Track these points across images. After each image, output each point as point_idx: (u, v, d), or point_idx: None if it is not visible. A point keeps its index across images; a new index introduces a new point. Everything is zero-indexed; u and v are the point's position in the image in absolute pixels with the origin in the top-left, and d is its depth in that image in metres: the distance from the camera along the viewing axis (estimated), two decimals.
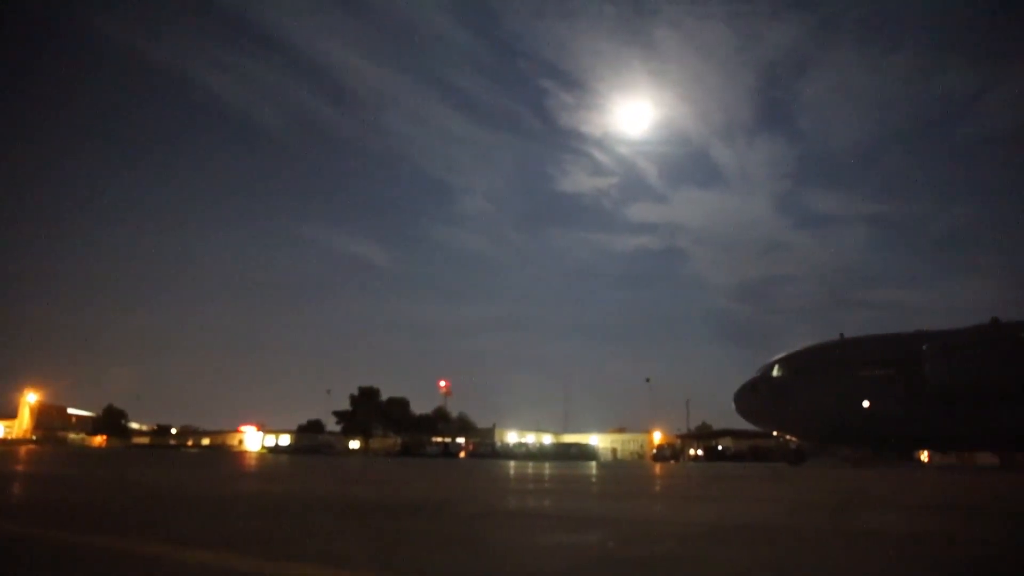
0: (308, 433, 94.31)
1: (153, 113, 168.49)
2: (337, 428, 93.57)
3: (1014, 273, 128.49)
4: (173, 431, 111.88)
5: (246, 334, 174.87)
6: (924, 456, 52.99)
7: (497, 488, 11.32)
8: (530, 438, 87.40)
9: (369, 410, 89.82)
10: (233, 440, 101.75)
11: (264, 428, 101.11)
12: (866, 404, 33.94)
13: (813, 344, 37.90)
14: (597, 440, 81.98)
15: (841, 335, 37.86)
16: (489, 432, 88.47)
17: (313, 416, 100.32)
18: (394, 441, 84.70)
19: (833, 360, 35.59)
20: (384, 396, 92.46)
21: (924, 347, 32.66)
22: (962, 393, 31.16)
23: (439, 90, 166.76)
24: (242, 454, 56.96)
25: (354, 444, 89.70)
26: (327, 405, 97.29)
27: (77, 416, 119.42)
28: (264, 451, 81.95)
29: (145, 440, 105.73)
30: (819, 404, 34.98)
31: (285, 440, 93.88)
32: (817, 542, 4.62)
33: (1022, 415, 30.52)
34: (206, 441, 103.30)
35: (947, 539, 4.83)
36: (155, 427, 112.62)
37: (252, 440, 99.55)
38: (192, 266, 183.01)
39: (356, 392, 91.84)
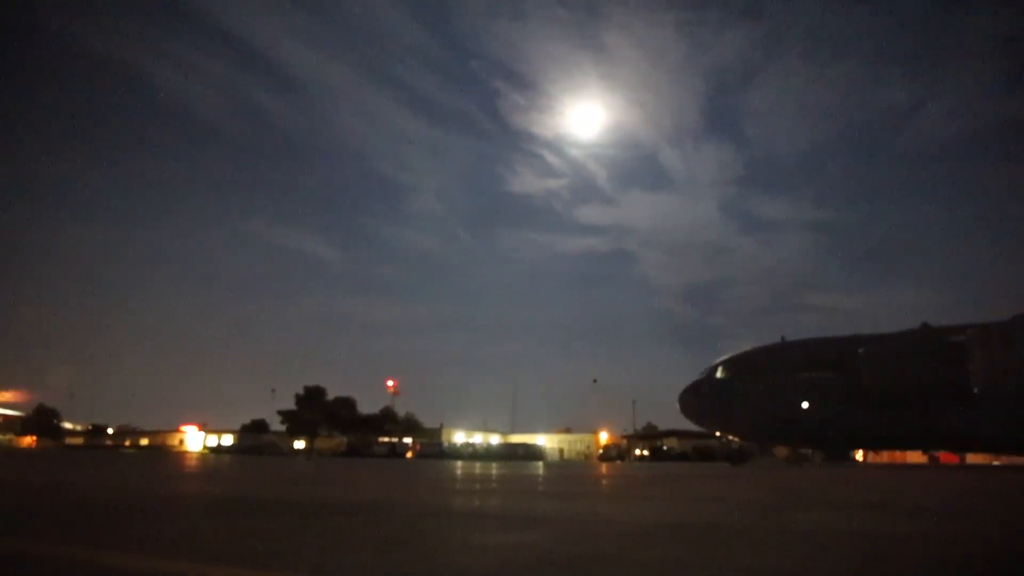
0: (252, 433, 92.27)
1: (93, 105, 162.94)
2: (282, 428, 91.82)
3: (944, 279, 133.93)
4: (109, 431, 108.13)
5: (188, 331, 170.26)
6: (859, 456, 54.72)
7: (440, 488, 11.28)
8: (477, 438, 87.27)
9: (315, 410, 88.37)
10: (173, 440, 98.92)
11: (206, 428, 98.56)
12: (805, 405, 34.90)
13: (755, 347, 38.79)
14: (544, 440, 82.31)
15: (782, 338, 38.86)
16: (437, 432, 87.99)
17: (257, 416, 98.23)
18: (340, 441, 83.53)
19: (774, 363, 36.49)
20: (331, 395, 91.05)
21: (860, 351, 33.73)
22: (896, 396, 32.24)
23: (391, 87, 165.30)
24: (182, 455, 55.52)
25: (299, 444, 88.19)
26: (272, 404, 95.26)
27: (4, 416, 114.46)
28: (206, 451, 79.96)
29: (79, 441, 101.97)
30: (760, 405, 35.83)
31: (228, 440, 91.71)
32: (746, 540, 4.73)
33: (949, 416, 31.77)
34: (144, 442, 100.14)
35: (873, 536, 4.99)
36: (89, 427, 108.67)
37: (193, 440, 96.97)
38: (131, 261, 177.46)
39: (302, 391, 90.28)
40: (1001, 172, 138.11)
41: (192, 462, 28.47)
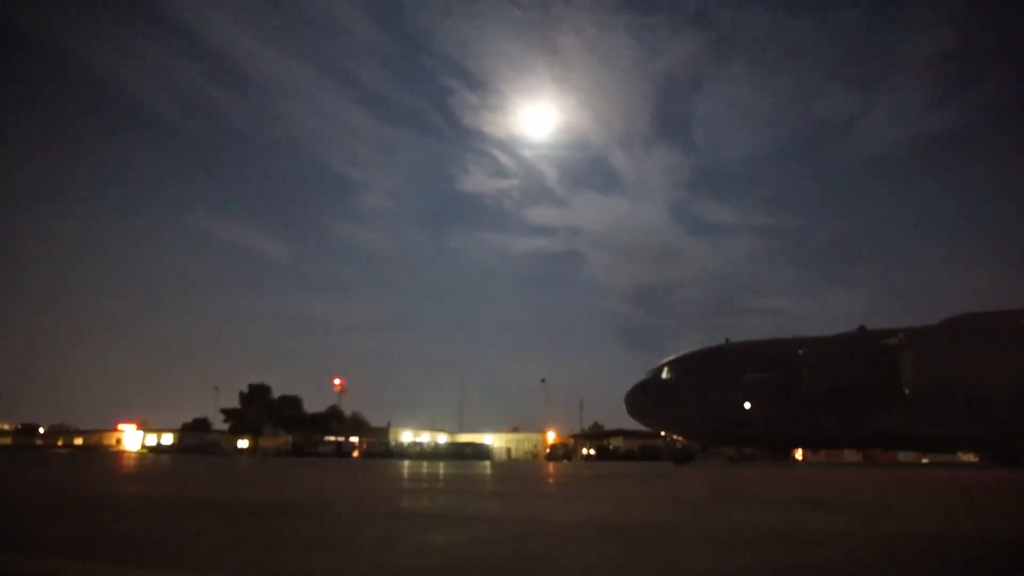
0: (193, 432, 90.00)
1: (32, 92, 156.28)
2: (225, 427, 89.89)
3: (880, 284, 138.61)
4: (41, 431, 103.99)
5: (128, 327, 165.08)
6: (799, 455, 56.27)
7: (381, 488, 11.17)
8: (425, 437, 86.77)
9: (259, 408, 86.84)
10: (110, 440, 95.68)
11: (145, 427, 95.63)
12: (747, 406, 35.66)
13: (700, 348, 39.48)
14: (492, 440, 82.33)
15: (727, 340, 39.67)
16: (384, 431, 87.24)
17: (199, 414, 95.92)
18: (285, 440, 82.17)
19: (718, 364, 37.21)
20: (276, 394, 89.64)
21: (800, 352, 34.63)
22: (833, 396, 33.18)
23: (342, 83, 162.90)
24: (118, 454, 53.86)
25: (243, 443, 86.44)
26: (215, 402, 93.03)
27: None
28: (144, 451, 77.66)
29: (7, 441, 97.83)
30: (704, 406, 36.47)
31: (168, 439, 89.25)
32: (677, 539, 4.79)
33: (883, 416, 32.86)
34: (79, 441, 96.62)
35: (799, 532, 5.12)
36: (19, 426, 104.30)
37: (131, 439, 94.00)
38: (66, 253, 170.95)
39: (246, 389, 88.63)
40: (932, 182, 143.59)
41: (127, 462, 27.63)
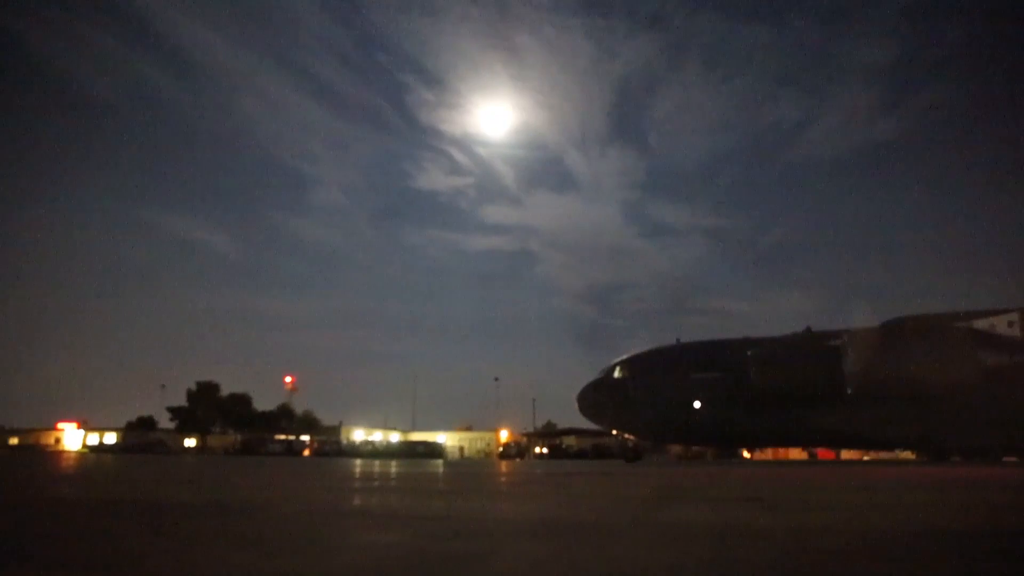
0: (138, 431, 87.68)
1: None
2: (172, 425, 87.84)
3: (825, 286, 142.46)
4: None
5: (69, 322, 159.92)
6: (746, 452, 57.45)
7: (328, 487, 11.05)
8: (377, 436, 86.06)
9: (208, 406, 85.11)
10: (49, 439, 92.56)
11: (86, 425, 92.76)
12: (697, 405, 36.24)
13: (652, 348, 39.99)
14: (445, 438, 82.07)
15: (677, 340, 40.25)
16: (335, 430, 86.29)
17: (144, 412, 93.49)
18: (234, 439, 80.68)
19: (669, 363, 37.73)
20: (225, 392, 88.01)
21: (748, 353, 35.33)
22: (779, 396, 33.94)
23: (295, 75, 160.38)
24: (57, 454, 52.17)
25: (190, 442, 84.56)
26: (161, 401, 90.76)
27: None
28: (85, 451, 75.34)
29: None
30: (654, 405, 36.96)
31: (111, 439, 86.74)
32: (615, 535, 4.85)
33: (827, 415, 33.76)
34: (14, 441, 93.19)
35: (733, 528, 5.22)
36: None
37: (72, 439, 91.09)
38: (3, 244, 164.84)
39: (194, 387, 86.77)
40: (876, 188, 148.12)
41: (65, 462, 26.77)
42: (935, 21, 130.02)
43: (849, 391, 32.28)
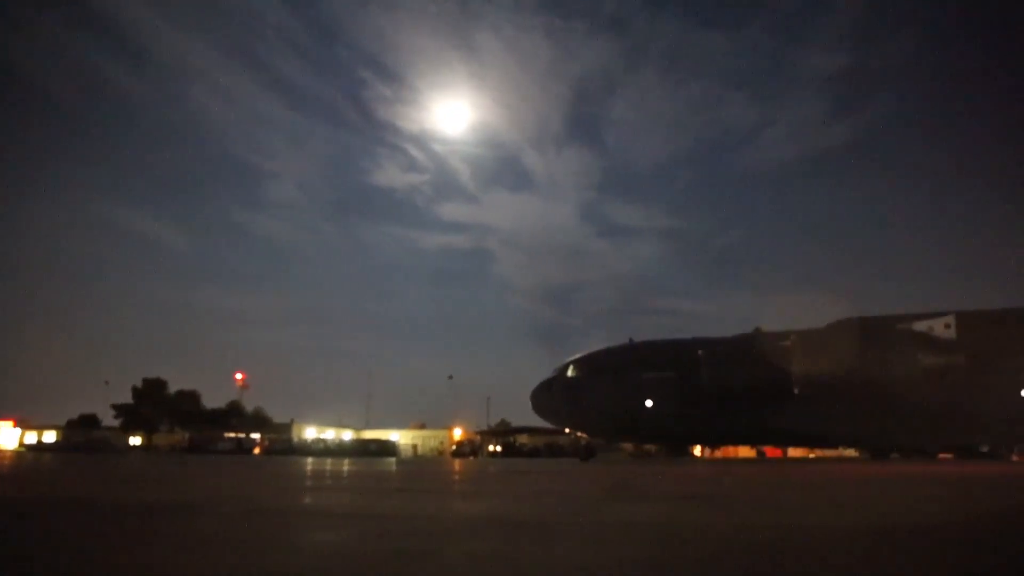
0: (80, 429, 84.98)
1: None
2: (116, 423, 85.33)
3: (775, 288, 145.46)
4: None
5: (6, 315, 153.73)
6: (697, 451, 58.38)
7: (275, 486, 10.91)
8: (330, 434, 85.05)
9: (154, 404, 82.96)
10: None
11: (24, 423, 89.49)
12: (649, 404, 36.64)
13: (605, 347, 40.32)
14: (398, 436, 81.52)
15: (631, 339, 40.65)
16: (287, 428, 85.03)
17: (87, 410, 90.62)
18: (181, 437, 78.81)
19: (622, 362, 38.08)
20: (173, 389, 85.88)
21: (699, 352, 35.88)
22: (729, 395, 34.55)
23: (251, 68, 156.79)
24: None
25: (135, 441, 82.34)
26: (105, 397, 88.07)
27: None
28: (22, 449, 72.74)
29: None
30: (607, 403, 37.26)
31: (51, 437, 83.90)
32: (559, 533, 4.91)
33: (775, 414, 34.50)
34: None
35: (675, 525, 5.33)
36: None
37: (8, 437, 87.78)
38: None
39: (140, 384, 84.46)
40: (826, 194, 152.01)
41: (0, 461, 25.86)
42: (884, 32, 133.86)
43: (796, 391, 33.06)
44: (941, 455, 37.41)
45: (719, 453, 59.42)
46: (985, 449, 37.29)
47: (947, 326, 31.27)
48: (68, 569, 3.34)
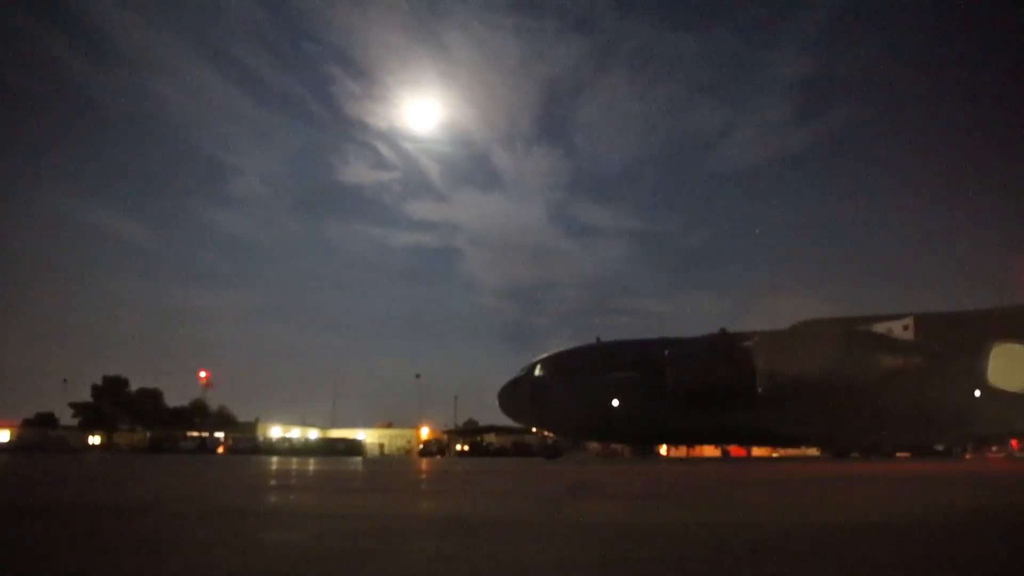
0: (36, 428, 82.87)
1: None
2: (75, 422, 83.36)
3: (740, 290, 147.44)
4: None
5: None
6: (663, 450, 58.87)
7: (239, 485, 10.76)
8: (295, 433, 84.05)
9: (115, 402, 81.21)
10: None
11: None
12: (615, 403, 36.86)
13: (572, 347, 40.45)
14: (365, 435, 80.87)
15: (598, 339, 40.85)
16: (251, 426, 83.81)
17: (44, 408, 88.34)
18: (142, 436, 77.29)
19: (588, 362, 38.24)
20: (134, 387, 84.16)
21: (665, 352, 36.18)
22: (694, 395, 34.88)
23: (217, 61, 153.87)
24: None
25: (94, 440, 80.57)
26: (63, 396, 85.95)
27: None
28: None
29: None
30: (574, 403, 37.39)
31: (4, 436, 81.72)
32: (516, 532, 4.90)
33: (739, 414, 34.94)
34: None
35: (631, 524, 5.36)
36: None
37: None
38: None
39: (99, 382, 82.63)
40: (790, 198, 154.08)
41: None
42: (848, 39, 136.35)
43: (760, 391, 33.51)
44: (899, 454, 38.19)
45: (685, 452, 60.02)
46: (941, 448, 38.19)
47: (905, 328, 31.96)
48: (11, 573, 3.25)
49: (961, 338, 30.98)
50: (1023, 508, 7.48)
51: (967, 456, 36.69)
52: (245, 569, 3.35)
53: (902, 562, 3.74)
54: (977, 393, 30.58)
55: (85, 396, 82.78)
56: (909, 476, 13.95)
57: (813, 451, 48.53)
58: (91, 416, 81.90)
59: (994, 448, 41.58)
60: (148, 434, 77.01)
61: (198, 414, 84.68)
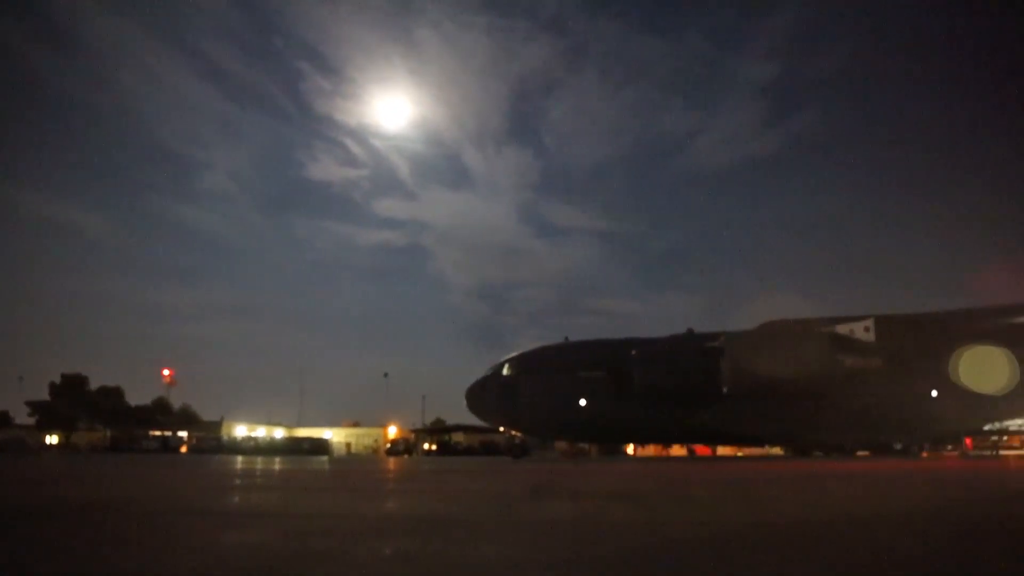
0: None
1: None
2: (31, 421, 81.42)
3: (707, 290, 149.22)
4: None
5: None
6: (630, 449, 59.31)
7: (198, 484, 10.59)
8: (260, 432, 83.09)
9: (74, 401, 79.43)
10: None
11: None
12: (582, 403, 37.03)
13: (540, 346, 40.56)
14: (331, 434, 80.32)
15: (566, 338, 41.00)
16: (216, 425, 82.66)
17: None
18: (102, 435, 75.77)
19: (556, 361, 38.35)
20: (94, 385, 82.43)
21: (633, 352, 36.44)
22: (661, 394, 35.19)
23: (183, 53, 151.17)
24: None
25: (52, 439, 78.78)
26: (19, 394, 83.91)
27: None
28: None
29: None
30: (542, 402, 37.48)
31: None
32: (475, 532, 4.89)
33: (705, 413, 35.33)
34: None
35: (592, 523, 5.38)
36: None
37: None
38: None
39: (58, 380, 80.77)
40: (758, 200, 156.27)
41: None
42: (815, 45, 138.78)
43: (725, 391, 33.92)
44: (859, 452, 38.95)
45: (652, 451, 60.54)
46: (899, 446, 39.02)
47: (867, 329, 32.58)
48: None
49: (920, 339, 31.68)
50: (951, 505, 7.67)
51: (924, 455, 37.54)
52: (203, 570, 3.28)
53: (850, 557, 3.81)
54: (935, 393, 31.32)
55: (42, 394, 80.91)
56: (862, 474, 14.22)
57: (777, 450, 49.25)
58: (48, 415, 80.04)
59: (949, 447, 42.64)
60: (108, 433, 75.54)
61: (161, 413, 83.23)
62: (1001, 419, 38.89)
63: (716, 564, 3.58)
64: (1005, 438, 51.65)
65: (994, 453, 43.77)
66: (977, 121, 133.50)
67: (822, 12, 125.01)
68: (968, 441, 44.12)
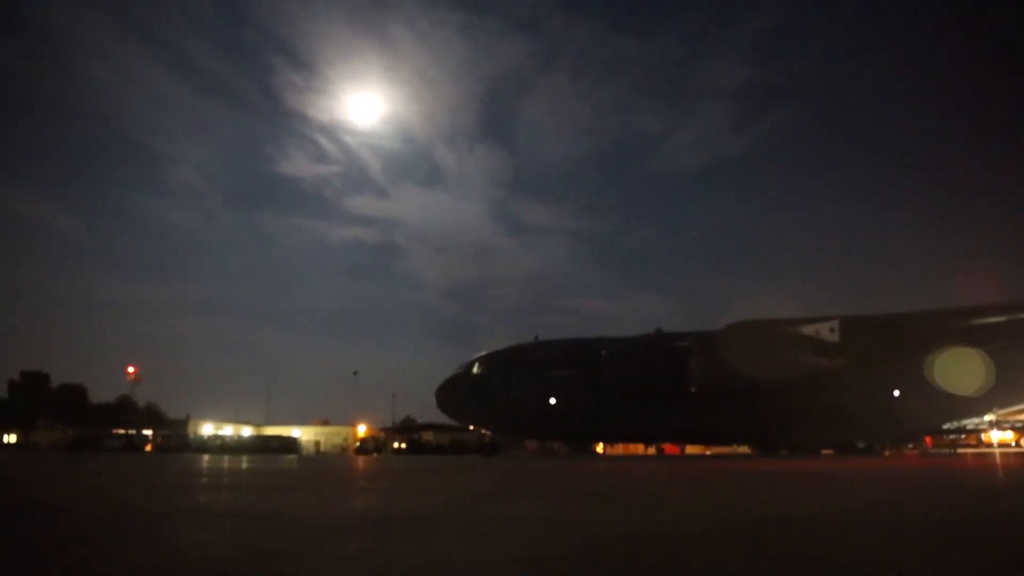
0: None
1: None
2: None
3: (677, 290, 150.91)
4: None
5: None
6: (600, 448, 59.60)
7: (160, 484, 10.41)
8: (228, 430, 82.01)
9: (34, 398, 77.66)
10: None
11: None
12: (552, 401, 37.16)
13: (511, 344, 40.62)
14: (300, 433, 79.54)
15: (536, 337, 41.12)
16: (182, 423, 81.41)
17: None
18: (64, 433, 74.18)
19: (526, 360, 38.44)
20: (56, 382, 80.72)
21: (603, 352, 36.66)
22: (630, 393, 35.45)
23: (152, 46, 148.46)
24: None
25: (10, 438, 76.97)
26: None
27: None
28: None
29: None
30: (512, 401, 37.54)
31: None
32: (439, 530, 4.87)
33: (674, 412, 35.66)
34: None
35: (557, 521, 5.39)
36: None
37: None
38: None
39: (17, 377, 78.94)
40: (728, 201, 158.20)
41: None
42: (786, 48, 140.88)
43: (693, 390, 34.27)
44: (824, 451, 39.58)
45: (621, 450, 60.89)
46: (862, 445, 39.73)
47: (832, 330, 33.10)
48: None
49: (884, 340, 32.30)
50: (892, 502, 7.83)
51: (886, 453, 38.26)
52: (152, 572, 3.22)
53: (802, 551, 3.86)
54: (896, 393, 31.95)
55: (1, 392, 79.06)
56: (823, 472, 14.46)
57: (745, 449, 49.84)
58: (7, 413, 78.18)
59: (910, 445, 43.50)
60: (70, 432, 74.01)
61: (125, 411, 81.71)
62: (960, 418, 39.83)
63: (674, 556, 3.61)
64: (963, 436, 52.90)
65: (952, 451, 44.82)
66: (946, 123, 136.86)
67: (793, 16, 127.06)
68: (928, 440, 45.08)
